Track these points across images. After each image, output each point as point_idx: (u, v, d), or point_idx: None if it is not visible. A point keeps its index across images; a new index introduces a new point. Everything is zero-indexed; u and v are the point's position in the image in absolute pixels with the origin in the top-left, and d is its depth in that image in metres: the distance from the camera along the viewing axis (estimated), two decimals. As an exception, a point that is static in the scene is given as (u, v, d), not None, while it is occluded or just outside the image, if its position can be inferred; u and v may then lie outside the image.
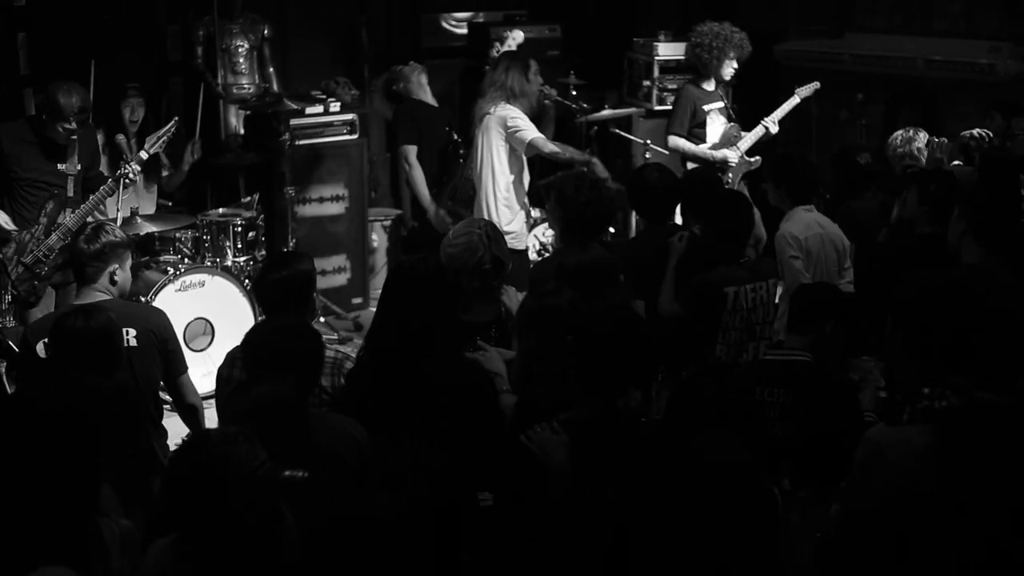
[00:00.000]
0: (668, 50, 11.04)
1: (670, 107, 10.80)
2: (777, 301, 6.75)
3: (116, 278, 5.94)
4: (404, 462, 4.84)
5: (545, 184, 7.19)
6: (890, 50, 10.91)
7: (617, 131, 10.83)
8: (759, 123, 9.31)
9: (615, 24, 11.89)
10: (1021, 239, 6.01)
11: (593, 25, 11.84)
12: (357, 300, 10.32)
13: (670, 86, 10.96)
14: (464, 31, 12.29)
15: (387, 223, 10.67)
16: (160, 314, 6.18)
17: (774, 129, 9.31)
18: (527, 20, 11.80)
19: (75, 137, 7.66)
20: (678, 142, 9.32)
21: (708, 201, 6.84)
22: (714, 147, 9.30)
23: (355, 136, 10.09)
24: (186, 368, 6.07)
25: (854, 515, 4.31)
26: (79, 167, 7.75)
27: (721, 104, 9.42)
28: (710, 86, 9.43)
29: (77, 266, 5.99)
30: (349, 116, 10.06)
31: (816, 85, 9.49)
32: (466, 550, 4.64)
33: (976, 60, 10.24)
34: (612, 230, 9.14)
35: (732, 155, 9.21)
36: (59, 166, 7.71)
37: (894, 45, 10.93)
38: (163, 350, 5.89)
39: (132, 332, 5.79)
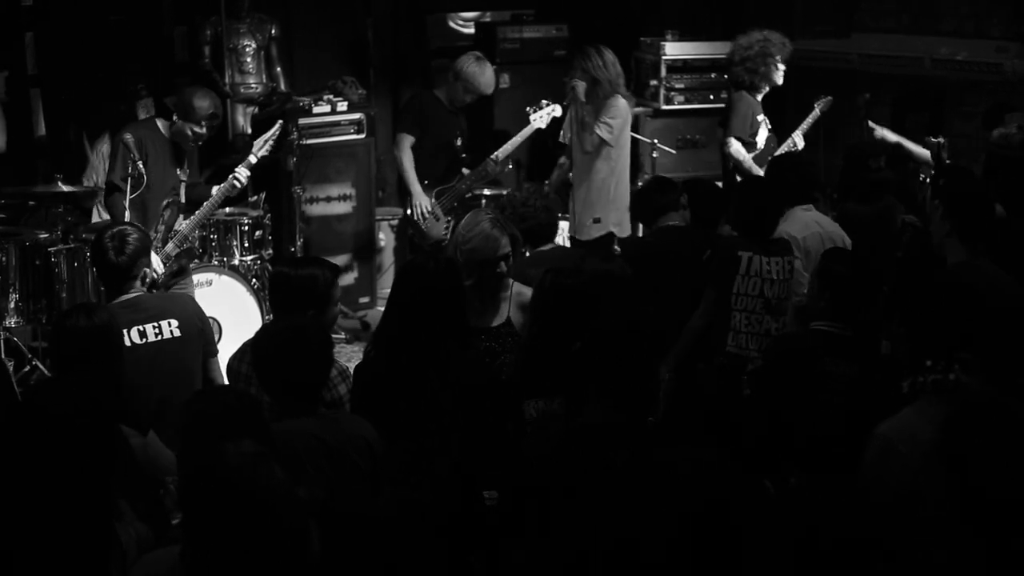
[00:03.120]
0: (675, 49, 11.03)
1: (677, 106, 10.88)
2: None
3: (146, 277, 6.02)
4: (409, 462, 4.86)
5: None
6: (897, 50, 10.89)
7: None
8: (789, 137, 9.23)
9: (622, 24, 11.87)
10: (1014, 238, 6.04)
11: (600, 25, 11.81)
12: (364, 299, 10.35)
13: (677, 86, 10.97)
14: (471, 30, 12.27)
15: (394, 222, 10.66)
16: (191, 300, 6.33)
17: (801, 144, 9.21)
18: (534, 20, 11.79)
19: (200, 142, 7.73)
20: (739, 148, 8.99)
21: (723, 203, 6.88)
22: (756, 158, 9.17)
23: (362, 135, 10.13)
24: (217, 351, 6.16)
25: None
26: (188, 174, 7.78)
27: (762, 114, 9.33)
28: (759, 95, 9.21)
29: (113, 279, 5.98)
30: (356, 116, 10.09)
31: (830, 99, 9.39)
32: (474, 551, 4.65)
33: (984, 60, 10.22)
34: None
35: None
36: (178, 171, 7.73)
37: (901, 45, 10.91)
38: (201, 333, 6.01)
39: (175, 323, 5.89)
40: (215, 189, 7.74)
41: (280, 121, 8.25)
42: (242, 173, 7.70)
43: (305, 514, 3.79)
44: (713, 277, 6.46)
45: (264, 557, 3.43)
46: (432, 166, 9.26)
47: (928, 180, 7.76)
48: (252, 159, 7.79)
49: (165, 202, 7.67)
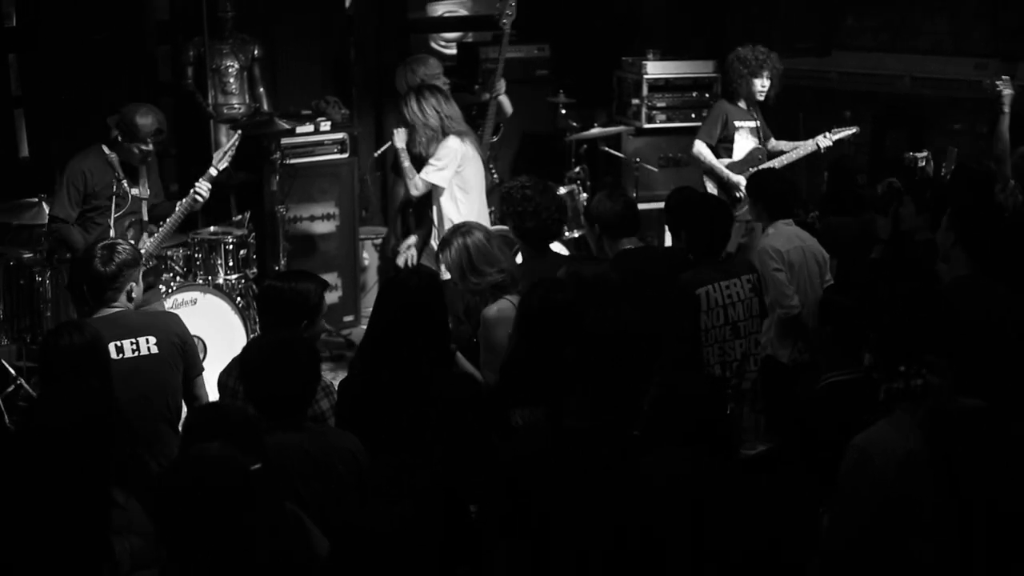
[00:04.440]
0: (657, 68, 11.09)
1: (659, 125, 10.96)
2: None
3: (133, 295, 6.00)
4: (391, 476, 4.87)
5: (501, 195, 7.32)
6: (877, 68, 10.98)
7: (607, 149, 10.89)
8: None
9: (604, 43, 11.94)
10: (1010, 249, 6.08)
11: (582, 44, 11.88)
12: (348, 318, 10.35)
13: (659, 104, 11.03)
14: (453, 51, 12.32)
15: (378, 241, 10.69)
16: (175, 318, 6.26)
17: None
18: (516, 40, 11.82)
19: (150, 159, 7.58)
20: (702, 150, 9.35)
21: (687, 214, 6.93)
22: (732, 165, 9.30)
23: (345, 155, 10.15)
24: (202, 369, 6.12)
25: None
26: (149, 191, 7.64)
27: (753, 124, 9.42)
28: (744, 104, 9.45)
29: (96, 289, 5.94)
30: (339, 135, 10.10)
31: (855, 130, 9.52)
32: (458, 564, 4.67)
33: (963, 77, 10.31)
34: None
35: (744, 182, 9.21)
36: (133, 191, 7.59)
37: (881, 63, 11.00)
38: (183, 352, 5.96)
39: (152, 340, 5.85)
40: (178, 205, 7.65)
41: (239, 132, 8.14)
42: (203, 187, 7.56)
43: (290, 513, 3.82)
44: (676, 320, 6.43)
45: (244, 557, 3.45)
46: None
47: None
48: (212, 172, 7.66)
49: (127, 223, 7.58)
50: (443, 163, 8.21)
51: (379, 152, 8.77)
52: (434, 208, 8.40)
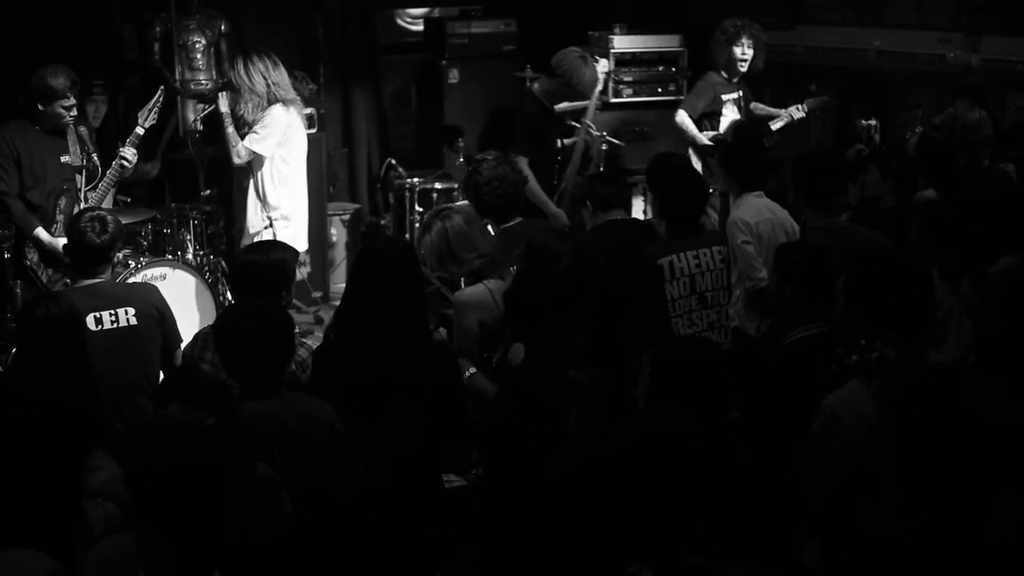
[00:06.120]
0: (623, 43, 11.11)
1: (625, 99, 10.99)
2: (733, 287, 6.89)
3: (117, 264, 6.05)
4: (371, 443, 4.91)
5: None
6: (842, 42, 11.05)
7: (573, 123, 10.89)
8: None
9: (570, 18, 11.94)
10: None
11: (548, 19, 11.89)
12: (317, 294, 10.36)
13: (625, 79, 11.05)
14: (419, 27, 12.33)
15: (346, 217, 10.71)
16: (154, 289, 6.34)
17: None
18: (482, 15, 11.86)
19: (75, 113, 7.52)
20: (684, 119, 9.39)
21: (661, 180, 6.97)
22: (716, 138, 9.35)
23: (313, 130, 10.13)
24: (181, 341, 6.15)
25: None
26: (81, 157, 7.60)
27: (736, 95, 9.49)
28: (730, 76, 9.48)
29: (92, 260, 5.94)
30: (307, 111, 10.08)
31: (824, 99, 9.57)
32: (434, 528, 4.72)
33: (927, 51, 10.38)
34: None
35: None
36: (62, 159, 7.57)
37: (846, 37, 11.06)
38: (161, 324, 5.99)
39: (131, 311, 5.90)
40: (108, 171, 7.59)
41: (161, 88, 8.09)
42: (129, 152, 7.55)
43: (265, 476, 3.84)
44: (639, 292, 6.43)
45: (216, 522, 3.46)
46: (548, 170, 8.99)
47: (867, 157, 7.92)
48: (140, 130, 7.66)
49: (59, 192, 7.55)
50: (267, 131, 8.19)
51: (201, 115, 8.76)
52: (251, 179, 8.35)
